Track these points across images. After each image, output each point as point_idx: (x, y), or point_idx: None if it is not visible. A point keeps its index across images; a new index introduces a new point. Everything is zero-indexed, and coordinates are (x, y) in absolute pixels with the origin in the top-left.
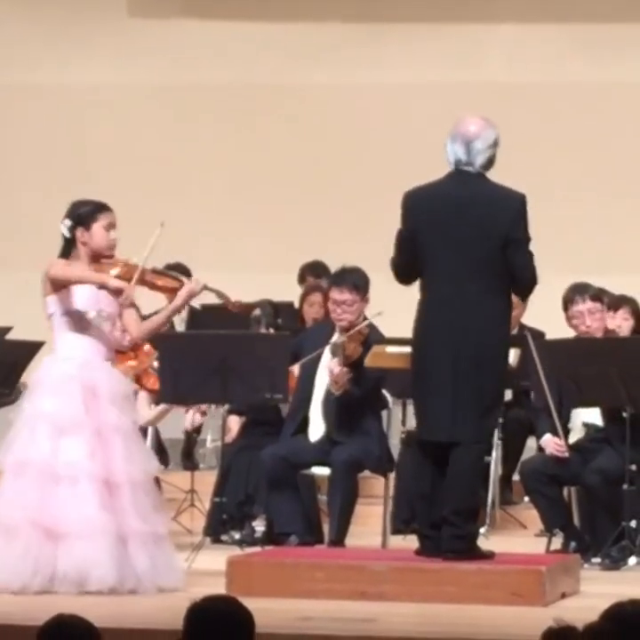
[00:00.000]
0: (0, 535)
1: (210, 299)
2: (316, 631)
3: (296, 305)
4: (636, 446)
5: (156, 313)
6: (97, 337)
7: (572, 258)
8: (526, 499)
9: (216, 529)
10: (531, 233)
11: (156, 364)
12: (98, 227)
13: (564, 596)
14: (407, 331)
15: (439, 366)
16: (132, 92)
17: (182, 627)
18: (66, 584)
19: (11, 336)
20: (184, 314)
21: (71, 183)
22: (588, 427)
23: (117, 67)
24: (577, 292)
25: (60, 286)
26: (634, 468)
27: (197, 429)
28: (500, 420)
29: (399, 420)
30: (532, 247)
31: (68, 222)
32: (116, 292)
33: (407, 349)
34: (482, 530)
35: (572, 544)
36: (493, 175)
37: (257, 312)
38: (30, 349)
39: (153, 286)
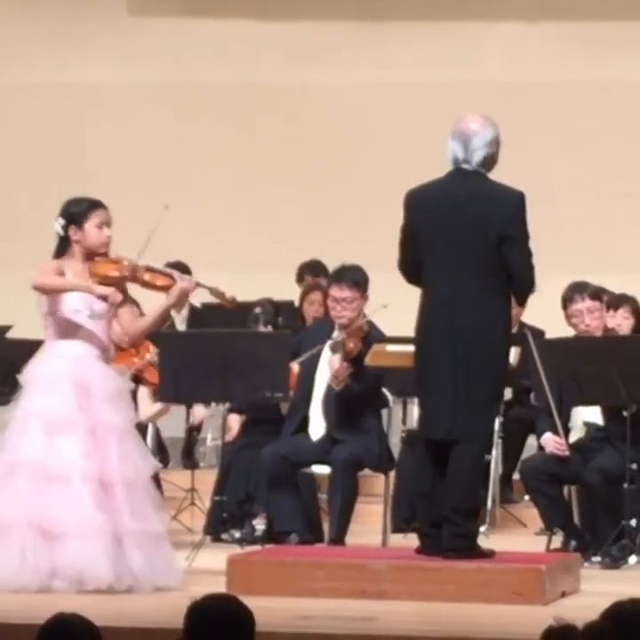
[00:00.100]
0: None
1: (210, 297)
2: (316, 630)
3: (296, 304)
4: (636, 445)
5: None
6: (89, 336)
7: (572, 257)
8: (526, 497)
9: (216, 527)
10: (531, 232)
11: (156, 358)
12: (90, 225)
13: (564, 594)
14: (406, 329)
15: (438, 365)
16: (132, 92)
17: (183, 625)
18: (63, 583)
19: (11, 335)
20: (184, 313)
21: (71, 183)
22: (588, 426)
23: (117, 66)
24: (576, 291)
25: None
26: (634, 466)
27: (199, 428)
28: (501, 419)
29: (399, 419)
30: (532, 247)
31: (61, 221)
32: (103, 298)
33: (408, 348)
34: (482, 528)
35: (573, 543)
36: (493, 174)
37: (257, 310)
38: (30, 348)
39: (145, 285)
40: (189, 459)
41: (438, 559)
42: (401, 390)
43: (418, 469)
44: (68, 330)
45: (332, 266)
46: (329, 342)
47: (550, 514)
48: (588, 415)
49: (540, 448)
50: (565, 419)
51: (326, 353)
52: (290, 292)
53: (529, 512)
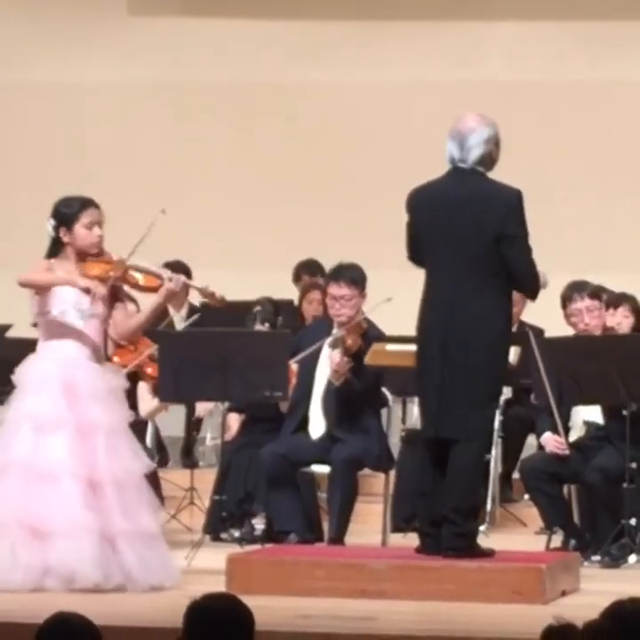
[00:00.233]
0: None
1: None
2: (315, 629)
3: (296, 303)
4: (636, 444)
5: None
6: (79, 336)
7: (572, 257)
8: (526, 496)
9: (216, 527)
10: (531, 232)
11: (156, 353)
12: (79, 227)
13: (564, 593)
14: (406, 328)
15: (437, 365)
16: (132, 91)
17: (182, 625)
18: (54, 582)
19: (10, 334)
20: (183, 312)
21: (70, 182)
22: (588, 425)
23: (117, 65)
24: (575, 290)
25: (43, 288)
26: (634, 465)
27: (198, 425)
28: (500, 418)
29: (399, 418)
30: (532, 247)
31: (52, 221)
32: (86, 291)
33: (407, 347)
34: (482, 528)
35: (572, 542)
36: (494, 174)
37: (256, 309)
38: (30, 348)
39: (134, 286)
40: (189, 458)
41: (438, 558)
42: (400, 390)
43: (418, 469)
44: (58, 330)
45: (331, 265)
46: (328, 339)
47: (550, 513)
48: (587, 414)
49: (540, 447)
50: (565, 418)
51: (326, 351)
52: (289, 291)
53: (529, 511)
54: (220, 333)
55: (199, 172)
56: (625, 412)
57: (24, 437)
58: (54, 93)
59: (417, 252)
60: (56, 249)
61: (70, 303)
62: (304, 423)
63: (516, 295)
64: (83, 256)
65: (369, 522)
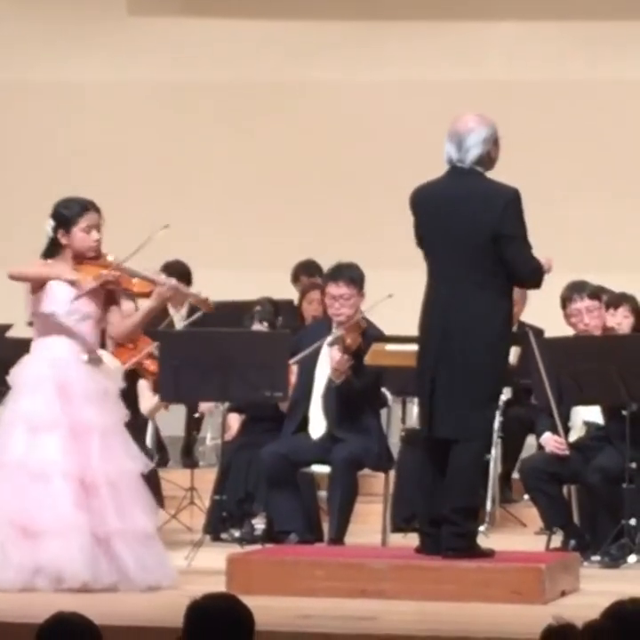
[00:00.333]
0: None
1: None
2: (315, 629)
3: (296, 303)
4: (636, 445)
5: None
6: (72, 336)
7: (572, 256)
8: (526, 497)
9: (216, 527)
10: (531, 232)
11: (155, 350)
12: (77, 230)
13: (563, 593)
14: (406, 327)
15: (436, 364)
16: (132, 91)
17: (182, 624)
18: (45, 581)
19: (10, 334)
20: (183, 311)
21: (70, 182)
22: (588, 425)
23: (117, 65)
24: (575, 291)
25: (37, 287)
26: (634, 466)
27: (199, 424)
28: (500, 419)
29: (399, 418)
30: (532, 246)
31: (51, 222)
32: (73, 283)
33: (407, 347)
34: (481, 528)
35: (572, 542)
36: (494, 173)
37: (256, 309)
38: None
39: (126, 290)
40: (189, 458)
41: (438, 559)
42: (400, 389)
43: (418, 469)
44: (51, 328)
45: (331, 265)
46: (328, 339)
47: (550, 513)
48: (587, 415)
49: (540, 447)
50: (565, 418)
51: (325, 350)
52: (289, 291)
53: (528, 511)
54: (221, 333)
55: (199, 172)
56: (625, 413)
57: (18, 438)
58: (54, 93)
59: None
60: (54, 250)
61: (64, 303)
62: (304, 423)
63: (515, 295)
64: (80, 259)
65: (369, 522)
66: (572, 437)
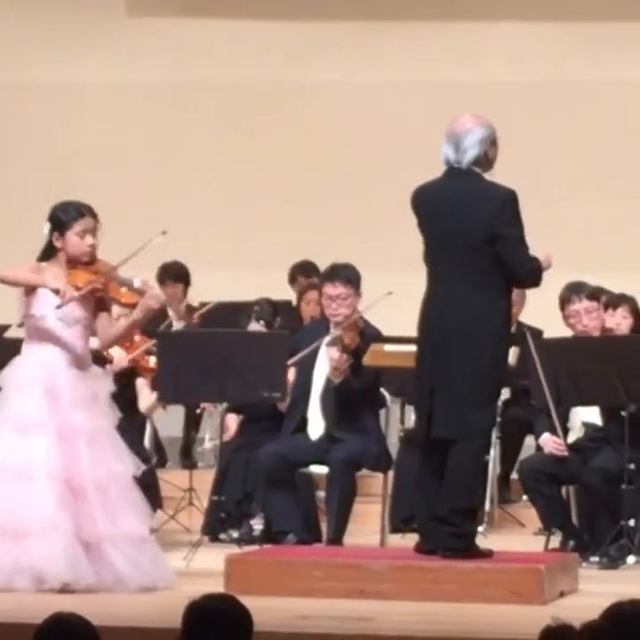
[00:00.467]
0: None
1: (207, 297)
2: (314, 630)
3: (294, 303)
4: (635, 445)
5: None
6: (60, 340)
7: (572, 256)
8: (525, 497)
9: (214, 527)
10: (531, 233)
11: (152, 347)
12: (72, 234)
13: (562, 594)
14: (405, 328)
15: (431, 364)
16: (132, 91)
17: (181, 625)
18: (25, 582)
19: (9, 334)
20: (182, 312)
21: (70, 182)
22: (587, 426)
23: (116, 65)
24: (573, 292)
25: (29, 290)
26: (633, 467)
27: (197, 427)
28: (499, 419)
29: (397, 419)
30: (532, 247)
31: (47, 225)
32: (56, 292)
33: (406, 348)
34: (480, 528)
35: (571, 543)
36: (492, 173)
37: (255, 308)
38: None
39: (113, 299)
40: (187, 458)
41: (437, 559)
42: (399, 390)
43: (416, 469)
44: (40, 334)
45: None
46: (326, 339)
47: (548, 514)
48: (586, 415)
49: (538, 448)
50: (564, 419)
51: (323, 351)
52: (289, 291)
53: (527, 512)
54: (219, 334)
55: (199, 173)
56: (624, 413)
57: (5, 439)
58: (54, 93)
59: None
60: (49, 252)
61: (50, 307)
62: (303, 424)
63: (514, 296)
64: (73, 263)
65: (367, 522)
66: (571, 438)
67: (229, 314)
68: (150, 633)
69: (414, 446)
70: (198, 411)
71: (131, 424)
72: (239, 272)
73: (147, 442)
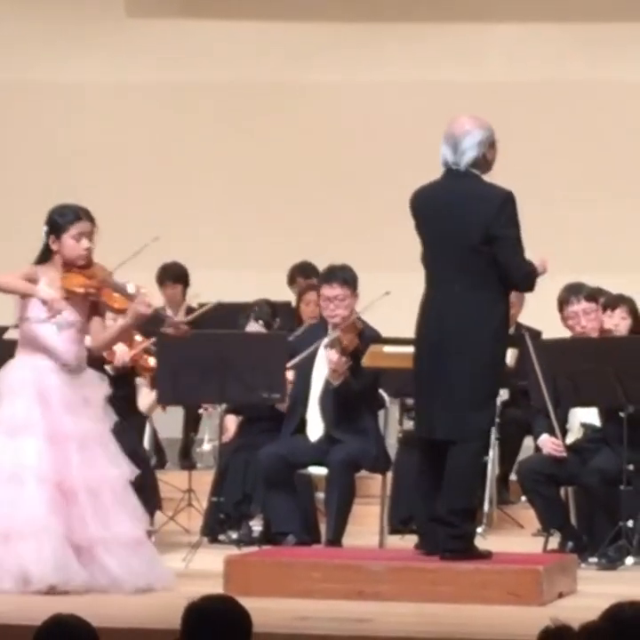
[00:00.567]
0: None
1: (206, 298)
2: (312, 631)
3: (293, 304)
4: (633, 446)
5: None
6: (53, 344)
7: (572, 256)
8: (523, 498)
9: (213, 528)
10: (530, 233)
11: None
12: (67, 237)
13: (561, 595)
14: (403, 330)
15: (427, 365)
16: (131, 92)
17: (180, 626)
18: (10, 584)
19: (8, 336)
20: (181, 314)
21: (70, 183)
22: (585, 427)
23: (116, 66)
24: (571, 293)
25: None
26: (631, 468)
27: (195, 428)
28: (497, 420)
29: (396, 420)
30: (531, 248)
31: (45, 228)
32: (44, 303)
33: (404, 349)
34: (479, 529)
35: (570, 544)
36: (493, 175)
37: (255, 309)
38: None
39: (104, 304)
40: (187, 459)
41: (435, 560)
42: (397, 391)
43: (415, 470)
44: (32, 341)
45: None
46: (324, 341)
47: (547, 515)
48: (585, 417)
49: (537, 449)
50: (562, 420)
51: (322, 353)
52: (288, 292)
53: (526, 513)
54: (218, 335)
55: (198, 173)
56: (622, 414)
57: None
58: (53, 94)
59: None
60: (46, 255)
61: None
62: (302, 426)
63: (513, 297)
64: (69, 266)
65: (366, 523)
66: (570, 439)
67: (228, 315)
68: (149, 634)
69: (413, 447)
70: (200, 411)
71: (130, 424)
72: (239, 272)
73: (146, 443)
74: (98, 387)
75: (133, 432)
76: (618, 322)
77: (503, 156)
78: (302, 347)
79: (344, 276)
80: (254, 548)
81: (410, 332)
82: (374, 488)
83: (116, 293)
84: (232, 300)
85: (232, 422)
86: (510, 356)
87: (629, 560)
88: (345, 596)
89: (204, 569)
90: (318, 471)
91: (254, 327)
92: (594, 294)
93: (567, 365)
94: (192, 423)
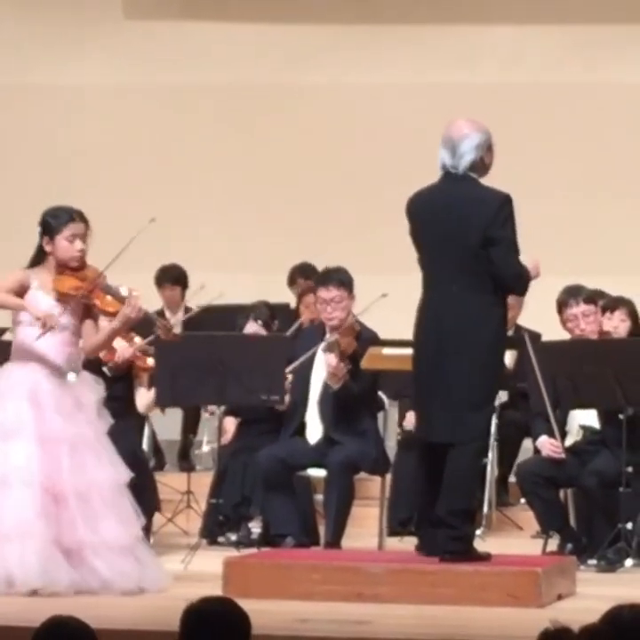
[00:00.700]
0: None
1: (205, 300)
2: (312, 633)
3: (292, 306)
4: (632, 449)
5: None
6: (46, 346)
7: (570, 259)
8: (522, 500)
9: (212, 530)
10: (528, 234)
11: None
12: (61, 239)
13: (560, 597)
14: (402, 331)
15: (430, 368)
16: (131, 94)
17: (178, 628)
18: None
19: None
20: (180, 315)
21: (70, 185)
22: (584, 429)
23: (115, 68)
24: (570, 295)
25: (19, 295)
26: (630, 470)
27: (194, 430)
28: (496, 422)
29: (395, 422)
30: (530, 249)
31: (39, 229)
32: (37, 319)
33: (403, 351)
34: (478, 531)
35: (569, 546)
36: (491, 177)
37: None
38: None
39: (95, 306)
40: (185, 461)
41: (434, 562)
42: (396, 393)
43: (414, 472)
44: (24, 343)
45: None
46: (322, 344)
47: (546, 517)
48: (584, 419)
49: (536, 451)
50: (562, 422)
51: (320, 355)
52: (288, 293)
53: (525, 515)
54: (218, 337)
55: (198, 175)
56: (621, 417)
57: None
58: (53, 96)
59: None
60: (39, 257)
61: (35, 337)
62: (301, 429)
63: (511, 299)
64: (62, 268)
65: (365, 525)
66: (569, 442)
67: (227, 317)
68: (148, 636)
69: (412, 449)
70: (207, 415)
71: (129, 425)
72: (238, 274)
73: (145, 444)
74: (92, 389)
75: (132, 433)
76: (617, 324)
77: (503, 158)
78: (300, 351)
79: (340, 278)
80: (253, 550)
81: (407, 333)
82: (373, 490)
83: (108, 296)
84: (232, 301)
85: (231, 424)
86: (509, 357)
87: (628, 562)
88: (344, 598)
89: (203, 571)
90: (317, 473)
91: (253, 327)
92: (593, 297)
93: (566, 367)
94: (191, 425)
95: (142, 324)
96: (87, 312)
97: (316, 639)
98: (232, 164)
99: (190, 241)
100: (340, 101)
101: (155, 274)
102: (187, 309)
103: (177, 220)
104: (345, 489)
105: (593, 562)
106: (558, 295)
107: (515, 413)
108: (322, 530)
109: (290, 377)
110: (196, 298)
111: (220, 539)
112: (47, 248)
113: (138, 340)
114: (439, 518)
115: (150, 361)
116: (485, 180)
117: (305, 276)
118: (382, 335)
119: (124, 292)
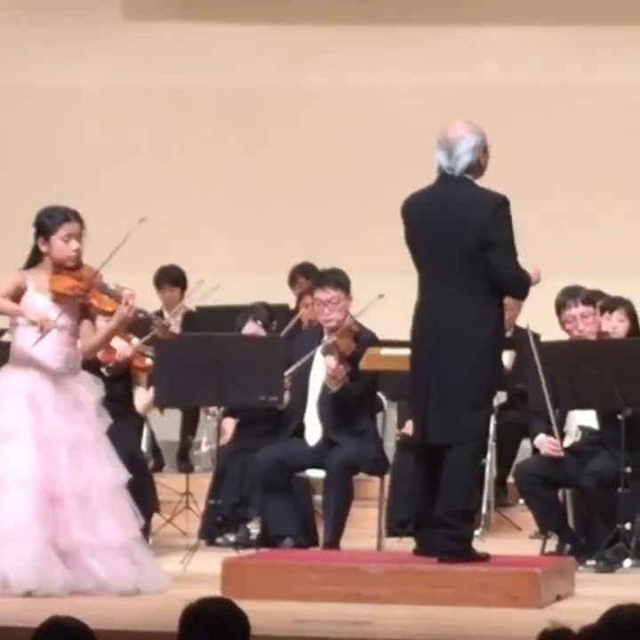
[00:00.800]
0: None
1: (205, 301)
2: (310, 633)
3: (291, 307)
4: (631, 449)
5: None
6: (45, 347)
7: (569, 259)
8: (521, 501)
9: (211, 531)
10: (527, 235)
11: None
12: (56, 239)
13: (558, 598)
14: (401, 332)
15: (427, 370)
16: (130, 95)
17: (177, 629)
18: None
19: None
20: (179, 317)
21: (69, 185)
22: (583, 430)
23: (114, 69)
24: (569, 296)
25: (16, 296)
26: (629, 470)
27: (193, 431)
28: (495, 423)
29: (394, 423)
30: (530, 248)
31: (34, 230)
32: (33, 324)
33: (402, 352)
34: (477, 532)
35: (567, 546)
36: (489, 178)
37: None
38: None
39: (91, 306)
40: (184, 462)
41: (433, 562)
42: (395, 394)
43: (414, 472)
44: (22, 346)
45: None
46: (320, 347)
47: (545, 517)
48: (582, 419)
49: (535, 451)
50: (560, 423)
51: (318, 357)
52: (288, 294)
53: (523, 515)
54: (216, 337)
55: (197, 175)
56: (620, 417)
57: None
58: (52, 97)
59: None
60: (35, 258)
61: (31, 343)
62: (300, 430)
63: (509, 301)
64: (59, 268)
65: (364, 526)
66: (567, 442)
67: (226, 317)
68: (147, 636)
69: (411, 450)
70: (208, 417)
71: (127, 426)
72: (239, 274)
73: (144, 445)
74: (91, 389)
75: (131, 433)
76: (616, 324)
77: (503, 158)
78: (298, 353)
79: (336, 279)
80: (252, 551)
81: (404, 334)
82: (372, 491)
83: (104, 295)
84: (232, 301)
85: (229, 425)
86: (507, 358)
87: (627, 562)
88: (343, 599)
89: (202, 572)
90: (316, 474)
91: (252, 328)
92: (591, 298)
93: (565, 368)
94: (190, 426)
95: (140, 324)
96: (85, 312)
97: None
98: (232, 165)
99: (190, 241)
100: (340, 102)
101: (154, 275)
102: (186, 311)
103: (176, 221)
104: (344, 490)
105: (591, 562)
106: (557, 296)
107: (513, 414)
108: (321, 531)
109: (288, 379)
110: (194, 293)
111: (219, 539)
112: (43, 248)
113: (136, 340)
114: (438, 519)
115: (148, 360)
116: (485, 181)
117: (306, 276)
118: (380, 336)
119: (119, 291)
